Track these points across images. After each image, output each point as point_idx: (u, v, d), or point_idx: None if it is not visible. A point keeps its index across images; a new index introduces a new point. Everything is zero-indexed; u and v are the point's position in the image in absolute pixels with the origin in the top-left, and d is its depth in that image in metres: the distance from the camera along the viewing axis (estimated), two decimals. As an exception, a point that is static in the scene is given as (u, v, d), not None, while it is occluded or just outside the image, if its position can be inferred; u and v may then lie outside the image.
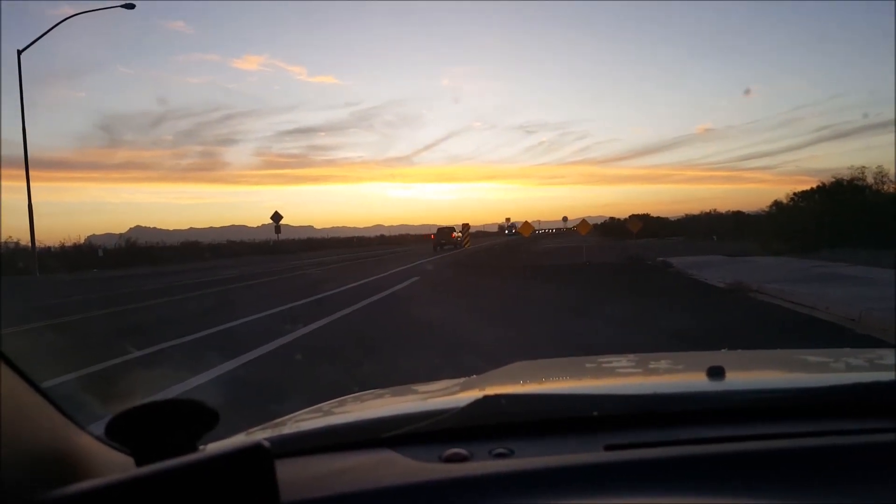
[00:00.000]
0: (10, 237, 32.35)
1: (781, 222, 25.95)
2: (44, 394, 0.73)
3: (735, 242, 27.42)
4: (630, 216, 44.79)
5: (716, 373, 1.27)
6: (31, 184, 25.45)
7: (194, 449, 0.79)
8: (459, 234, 44.58)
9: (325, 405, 1.53)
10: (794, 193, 27.79)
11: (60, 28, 25.66)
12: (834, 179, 25.27)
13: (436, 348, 6.67)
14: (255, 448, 0.66)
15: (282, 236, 41.17)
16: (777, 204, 29.65)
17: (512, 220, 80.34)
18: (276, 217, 36.77)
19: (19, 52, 25.05)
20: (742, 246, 23.56)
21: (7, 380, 0.66)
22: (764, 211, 33.34)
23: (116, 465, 0.81)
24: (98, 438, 0.82)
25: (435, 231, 46.63)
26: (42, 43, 25.54)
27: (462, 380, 1.69)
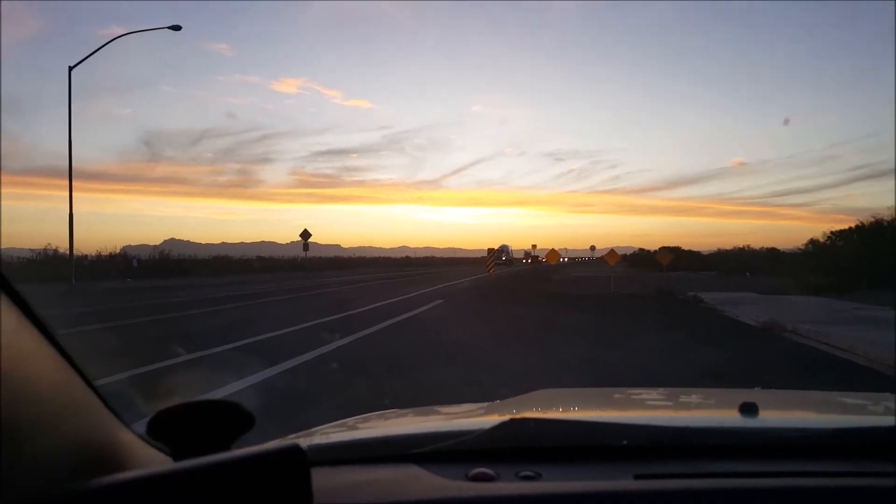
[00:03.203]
0: (50, 244, 33.28)
1: (818, 261, 25.40)
2: (95, 390, 0.75)
3: (769, 280, 26.84)
4: (660, 248, 44.18)
5: (749, 409, 1.25)
6: (75, 194, 26.14)
7: (228, 450, 0.80)
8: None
9: (349, 420, 1.54)
10: (832, 232, 27.25)
11: (110, 47, 26.46)
12: (874, 219, 24.72)
13: (460, 370, 6.65)
14: (293, 449, 0.67)
15: (309, 254, 41.60)
16: (813, 242, 29.07)
17: (537, 247, 74.53)
18: (305, 235, 37.19)
19: (70, 69, 25.85)
20: (776, 284, 23.06)
21: (64, 373, 0.69)
22: (799, 249, 32.70)
23: (155, 462, 0.83)
24: (140, 436, 0.84)
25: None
26: (92, 61, 26.40)
27: (486, 404, 1.68)
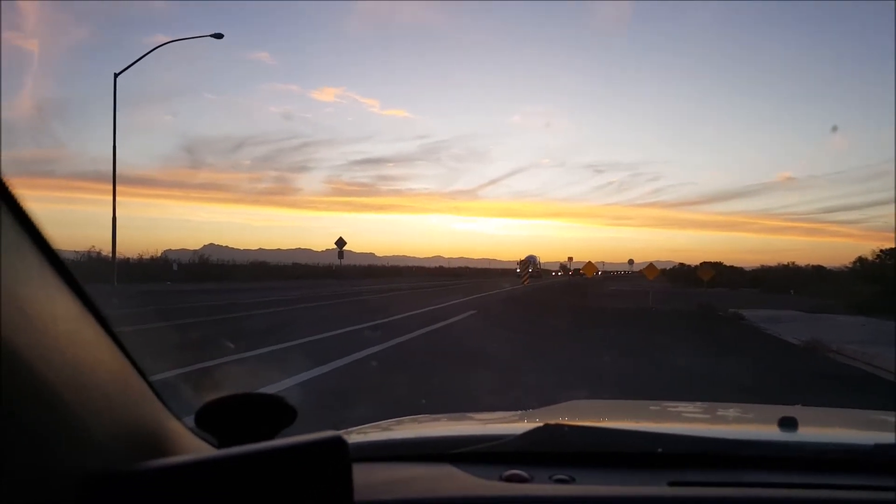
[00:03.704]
0: (93, 247, 34.18)
1: (866, 280, 24.56)
2: (148, 381, 0.79)
3: (814, 298, 26.06)
4: (702, 263, 43.14)
5: (788, 423, 1.24)
6: (118, 198, 26.72)
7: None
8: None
9: (384, 422, 1.57)
10: (881, 250, 26.32)
11: (154, 55, 27.14)
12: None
13: (491, 380, 6.64)
14: (335, 440, 0.70)
15: (344, 262, 41.99)
16: (861, 260, 28.18)
17: (574, 259, 72.03)
18: (340, 243, 37.53)
19: (116, 76, 26.52)
20: (822, 302, 22.39)
21: (120, 363, 0.73)
22: (847, 267, 31.72)
23: (201, 451, 0.86)
24: (188, 427, 0.88)
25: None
26: (136, 68, 27.02)
27: (518, 412, 1.69)
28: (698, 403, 1.84)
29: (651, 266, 25.98)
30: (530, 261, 67.01)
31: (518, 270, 68.00)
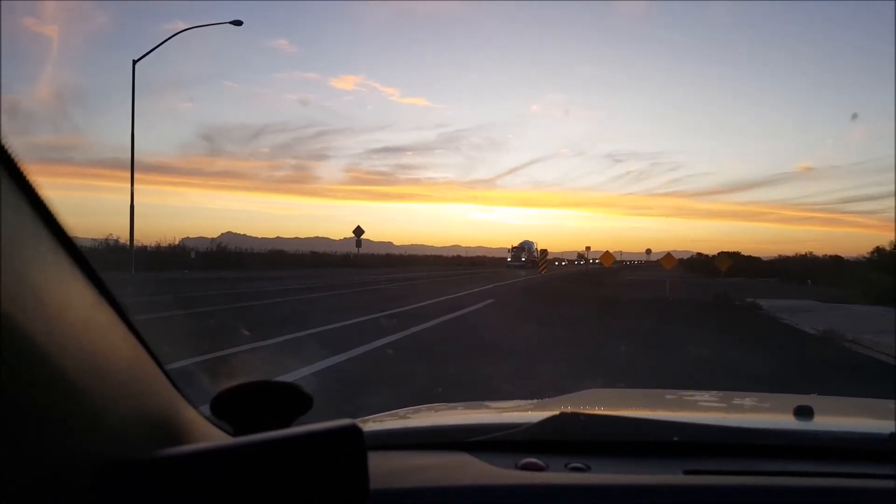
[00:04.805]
0: (111, 235, 34.41)
1: (884, 270, 24.24)
2: (163, 369, 0.80)
3: (832, 288, 25.72)
4: (719, 253, 42.65)
5: (804, 412, 1.23)
6: (137, 186, 26.79)
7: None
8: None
9: (400, 411, 1.58)
10: (901, 240, 25.93)
11: (173, 43, 27.03)
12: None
13: (507, 368, 6.65)
14: (350, 428, 0.70)
15: (362, 251, 42.06)
16: (879, 250, 27.83)
17: (591, 249, 67.94)
18: (358, 231, 37.61)
19: (134, 62, 26.40)
20: (839, 292, 22.11)
21: (135, 351, 0.73)
22: (865, 257, 31.39)
23: (217, 438, 0.87)
24: (204, 415, 0.89)
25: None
26: (155, 56, 27.08)
27: (535, 401, 1.69)
28: (714, 392, 1.84)
29: (669, 256, 25.73)
30: (525, 247, 59.22)
31: (509, 260, 59.52)
